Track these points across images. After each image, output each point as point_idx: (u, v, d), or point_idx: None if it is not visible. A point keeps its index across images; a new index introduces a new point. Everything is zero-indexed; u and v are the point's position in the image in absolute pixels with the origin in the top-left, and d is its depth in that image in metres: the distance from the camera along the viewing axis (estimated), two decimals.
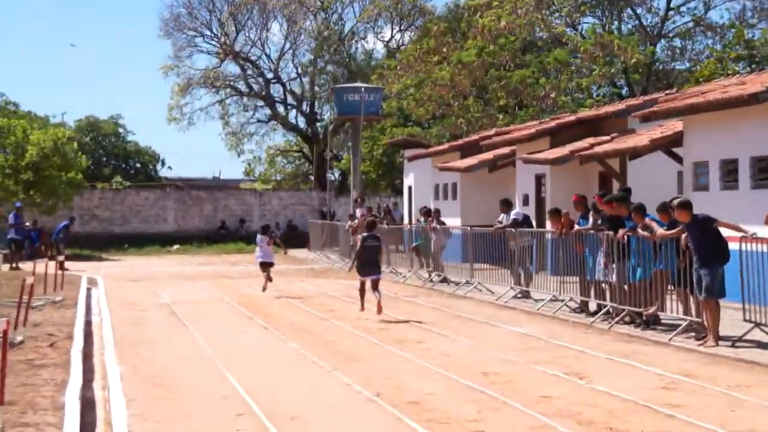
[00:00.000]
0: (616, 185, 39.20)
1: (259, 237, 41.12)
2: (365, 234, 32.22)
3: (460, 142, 59.52)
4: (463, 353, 22.13)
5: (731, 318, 22.98)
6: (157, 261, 63.78)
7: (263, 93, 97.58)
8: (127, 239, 77.22)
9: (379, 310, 29.17)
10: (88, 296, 34.04)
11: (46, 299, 30.94)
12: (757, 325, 22.44)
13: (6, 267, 47.85)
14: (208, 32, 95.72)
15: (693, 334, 23.19)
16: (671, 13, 74.39)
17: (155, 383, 18.26)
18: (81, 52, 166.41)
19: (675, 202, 24.66)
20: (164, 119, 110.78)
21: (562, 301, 29.94)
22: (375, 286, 30.25)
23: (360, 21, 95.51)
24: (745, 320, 22.82)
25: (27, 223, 60.03)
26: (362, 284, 30.79)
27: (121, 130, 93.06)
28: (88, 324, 26.06)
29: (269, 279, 38.38)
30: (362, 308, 30.45)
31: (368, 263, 30.92)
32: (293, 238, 69.98)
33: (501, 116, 67.68)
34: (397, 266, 46.62)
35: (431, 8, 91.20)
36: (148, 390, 17.53)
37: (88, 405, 15.66)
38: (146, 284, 42.75)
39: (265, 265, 38.87)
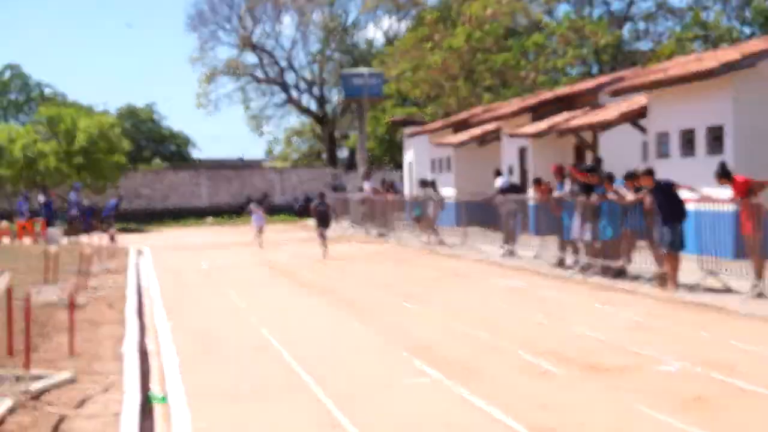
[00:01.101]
0: (589, 156, 39.54)
1: (252, 205, 48.71)
2: (317, 202, 43.48)
3: (452, 119, 59.37)
4: (461, 304, 22.34)
5: (689, 268, 23.04)
6: (194, 232, 63.59)
7: (279, 79, 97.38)
8: (168, 213, 77.31)
9: (324, 252, 38.60)
10: (137, 263, 34.28)
11: (102, 267, 31.16)
12: (710, 273, 22.86)
13: (66, 240, 48.28)
14: (228, 26, 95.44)
15: (657, 282, 23.67)
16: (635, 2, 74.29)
17: (199, 336, 18.58)
18: (118, 45, 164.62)
19: (640, 169, 25.18)
20: (193, 105, 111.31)
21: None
22: (322, 234, 39.89)
23: (362, 13, 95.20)
24: (700, 269, 23.19)
25: (84, 202, 60.14)
26: (319, 233, 40.32)
27: (155, 116, 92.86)
28: (138, 288, 26.32)
29: (260, 234, 45.86)
30: (324, 254, 38.59)
31: (321, 221, 40.75)
32: (303, 209, 69.73)
33: (487, 95, 67.52)
34: (401, 232, 46.56)
35: None
36: (193, 342, 17.84)
37: (143, 356, 15.93)
38: (186, 252, 42.88)
39: (260, 230, 46.19)
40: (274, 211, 74.13)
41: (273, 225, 59.64)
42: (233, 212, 72.27)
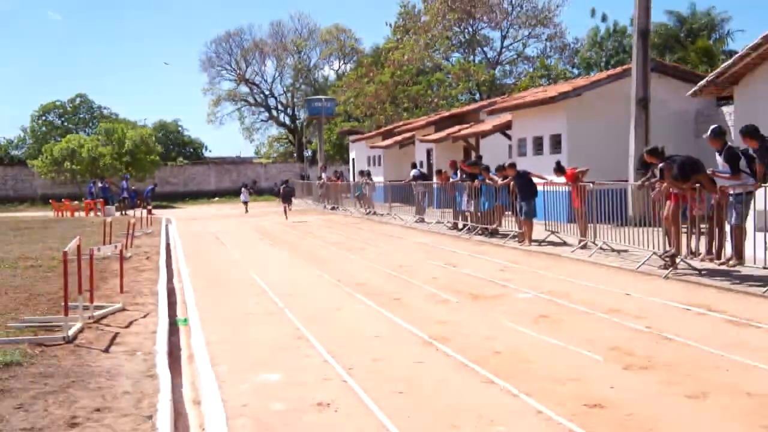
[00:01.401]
0: (473, 154, 39.68)
1: (243, 189, 54.56)
2: (284, 185, 48.55)
3: (381, 130, 59.37)
4: (387, 255, 22.34)
5: (538, 229, 23.16)
6: (206, 208, 62.89)
7: (263, 104, 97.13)
8: (187, 195, 77.25)
9: (287, 216, 41.41)
10: (167, 229, 34.06)
11: (142, 231, 30.91)
12: (553, 232, 23.02)
13: (118, 213, 48.72)
14: (228, 67, 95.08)
15: (517, 239, 23.77)
16: (504, 50, 74.50)
17: (209, 278, 18.48)
18: (157, 75, 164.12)
19: (506, 163, 25.31)
20: (205, 121, 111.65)
21: (443, 222, 30.24)
22: (286, 206, 43.55)
23: (320, 58, 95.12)
24: (545, 230, 23.38)
25: (131, 187, 60.31)
26: (284, 207, 43.44)
27: (180, 128, 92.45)
28: (167, 245, 26.17)
29: (246, 210, 50.74)
30: (286, 218, 40.77)
31: (285, 197, 44.97)
32: (285, 192, 69.94)
33: (405, 114, 67.55)
34: (347, 206, 46.27)
35: (362, 49, 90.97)
36: (205, 282, 17.72)
37: (171, 292, 15.95)
38: (200, 221, 42.30)
39: (245, 204, 52.07)
40: (260, 192, 74.86)
41: (258, 203, 59.68)
42: (232, 194, 71.77)
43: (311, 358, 10.15)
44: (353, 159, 65.01)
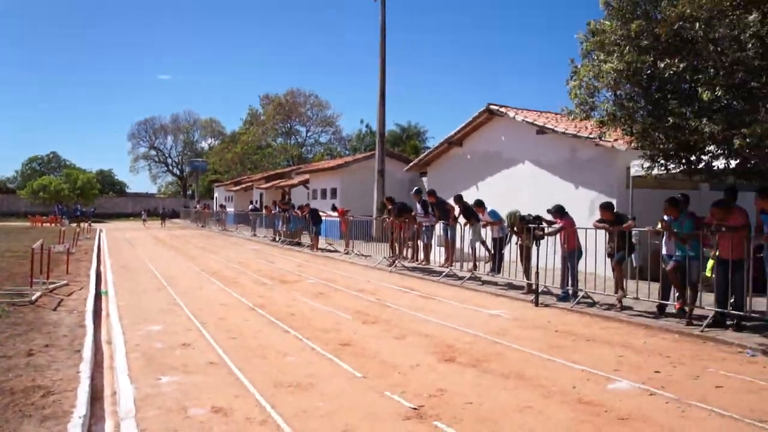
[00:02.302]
0: (287, 197, 39.45)
1: (143, 212, 55.99)
2: (164, 210, 48.93)
3: (234, 180, 58.26)
4: (232, 255, 21.64)
5: (322, 242, 23.34)
6: (124, 224, 58.66)
7: (164, 161, 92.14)
8: (114, 215, 72.40)
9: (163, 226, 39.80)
10: (99, 236, 31.88)
11: (84, 237, 29.10)
12: (330, 244, 22.87)
13: (72, 224, 45.01)
14: (144, 138, 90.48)
15: (310, 247, 23.67)
16: (307, 138, 74.64)
17: (122, 266, 17.44)
18: (101, 139, 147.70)
19: (304, 204, 25.22)
20: (128, 170, 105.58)
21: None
22: (163, 222, 42.52)
23: (200, 137, 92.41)
24: (326, 243, 23.24)
25: (82, 209, 57.75)
26: (162, 223, 41.57)
27: (112, 173, 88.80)
28: (98, 246, 24.59)
29: (144, 225, 48.16)
30: (162, 226, 33.78)
31: (162, 218, 44.40)
32: (174, 215, 67.29)
33: (249, 171, 66.35)
34: (211, 226, 44.46)
35: (225, 132, 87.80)
36: (119, 269, 16.80)
37: (98, 274, 14.94)
38: (120, 232, 39.58)
39: (144, 221, 50.22)
40: (159, 215, 71.23)
41: (155, 222, 56.81)
42: (139, 215, 67.94)
43: (181, 317, 9.90)
44: (216, 197, 62.82)
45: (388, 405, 5.64)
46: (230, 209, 47.94)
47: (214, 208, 52.60)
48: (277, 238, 27.91)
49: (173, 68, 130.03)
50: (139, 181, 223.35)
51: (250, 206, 38.84)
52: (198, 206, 55.91)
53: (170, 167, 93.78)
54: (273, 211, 30.20)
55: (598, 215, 11.07)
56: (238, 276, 15.58)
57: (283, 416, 5.35)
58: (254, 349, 7.75)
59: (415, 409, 5.51)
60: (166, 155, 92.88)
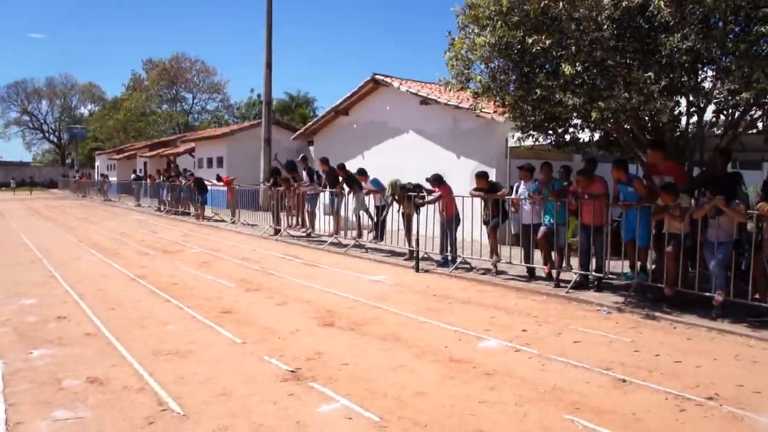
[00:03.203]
0: (172, 166, 38.12)
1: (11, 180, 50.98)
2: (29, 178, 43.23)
3: (117, 149, 55.43)
4: (114, 226, 20.73)
5: (208, 211, 22.86)
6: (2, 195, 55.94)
7: (39, 128, 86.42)
8: None
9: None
10: None
11: None
12: (216, 213, 22.45)
13: None
14: (15, 103, 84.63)
15: (195, 217, 23.09)
16: (193, 104, 72.27)
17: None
18: None
19: (188, 171, 24.51)
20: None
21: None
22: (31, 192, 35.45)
23: (80, 101, 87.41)
24: (212, 212, 22.70)
25: None
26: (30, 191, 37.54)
27: None
28: None
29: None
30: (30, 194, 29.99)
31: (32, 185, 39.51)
32: (52, 185, 63.45)
33: (132, 139, 63.54)
34: (92, 196, 42.42)
35: (107, 98, 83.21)
36: None
37: None
38: None
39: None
40: (35, 185, 66.65)
41: (25, 192, 53.40)
42: (18, 186, 63.37)
43: (57, 290, 9.46)
44: (98, 166, 59.33)
45: (266, 369, 5.71)
46: (113, 179, 45.58)
47: (96, 178, 50.14)
48: (162, 208, 27.04)
49: (46, 26, 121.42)
50: (12, 149, 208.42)
51: (133, 175, 37.24)
52: (78, 175, 52.93)
53: (46, 134, 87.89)
54: (157, 181, 29.11)
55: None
56: (119, 247, 15.00)
57: (161, 383, 5.31)
58: (134, 320, 7.55)
59: (292, 371, 5.62)
60: (41, 121, 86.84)
